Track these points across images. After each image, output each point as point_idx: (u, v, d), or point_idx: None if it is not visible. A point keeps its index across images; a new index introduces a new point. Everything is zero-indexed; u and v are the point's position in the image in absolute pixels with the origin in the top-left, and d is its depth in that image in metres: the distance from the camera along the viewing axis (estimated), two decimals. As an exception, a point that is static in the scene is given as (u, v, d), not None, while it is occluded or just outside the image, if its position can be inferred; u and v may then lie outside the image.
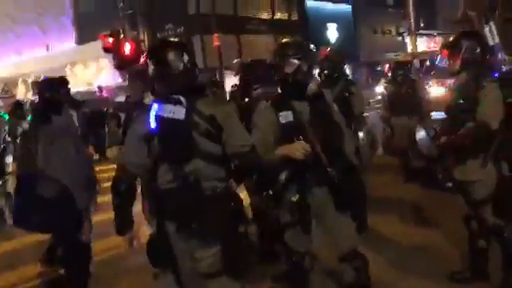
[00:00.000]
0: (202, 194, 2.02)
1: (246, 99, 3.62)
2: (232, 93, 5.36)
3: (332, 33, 27.86)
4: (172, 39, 2.73)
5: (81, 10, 23.82)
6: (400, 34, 27.81)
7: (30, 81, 26.76)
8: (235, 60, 5.70)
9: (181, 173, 2.02)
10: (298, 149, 2.35)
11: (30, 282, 3.90)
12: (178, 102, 2.02)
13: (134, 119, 2.26)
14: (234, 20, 22.63)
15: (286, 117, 2.45)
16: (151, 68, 2.12)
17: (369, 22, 28.51)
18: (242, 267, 2.15)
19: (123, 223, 2.18)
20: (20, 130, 6.88)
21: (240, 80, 3.97)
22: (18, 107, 7.38)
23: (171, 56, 2.07)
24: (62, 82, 3.64)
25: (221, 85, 9.78)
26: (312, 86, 2.64)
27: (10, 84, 22.67)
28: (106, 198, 4.06)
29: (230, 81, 14.58)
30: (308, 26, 26.61)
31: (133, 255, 4.08)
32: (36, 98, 3.99)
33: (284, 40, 2.82)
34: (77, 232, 3.26)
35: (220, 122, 2.05)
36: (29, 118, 6.15)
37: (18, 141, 5.48)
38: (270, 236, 3.59)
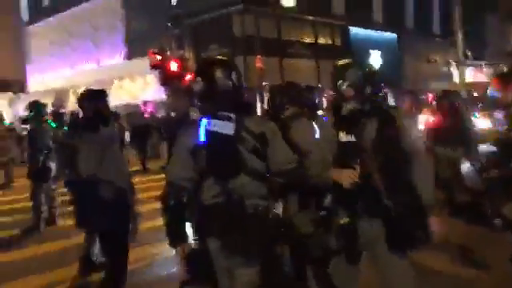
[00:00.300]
0: (245, 212, 2.01)
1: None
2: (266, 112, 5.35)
3: (375, 59, 27.63)
4: (220, 57, 2.85)
5: (132, 27, 25.05)
6: (447, 64, 27.16)
7: (79, 91, 28.26)
8: (264, 83, 5.62)
9: (226, 188, 2.03)
10: (346, 177, 2.17)
11: (67, 283, 4.00)
12: (227, 119, 2.05)
13: (181, 134, 2.26)
14: (277, 43, 22.97)
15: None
16: (199, 85, 2.15)
17: (414, 50, 28.12)
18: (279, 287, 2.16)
19: (175, 237, 2.19)
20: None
21: (270, 100, 3.96)
22: (57, 116, 7.77)
23: (219, 74, 2.12)
24: (104, 94, 3.87)
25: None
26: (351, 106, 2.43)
27: (62, 95, 23.96)
28: (141, 209, 4.22)
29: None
30: (351, 52, 26.54)
31: (165, 265, 4.16)
32: (77, 109, 4.26)
33: (342, 62, 2.67)
34: (127, 233, 3.40)
35: (269, 139, 2.09)
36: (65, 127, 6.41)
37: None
38: (301, 257, 3.56)
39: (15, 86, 17.20)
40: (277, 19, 23.98)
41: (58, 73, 28.52)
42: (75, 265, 3.91)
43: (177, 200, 2.14)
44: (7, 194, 8.72)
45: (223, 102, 2.10)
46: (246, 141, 2.05)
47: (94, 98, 3.71)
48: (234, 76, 2.15)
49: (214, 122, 2.06)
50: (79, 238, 4.12)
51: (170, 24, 23.79)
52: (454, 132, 5.64)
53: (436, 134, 5.90)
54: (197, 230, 2.15)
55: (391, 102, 6.43)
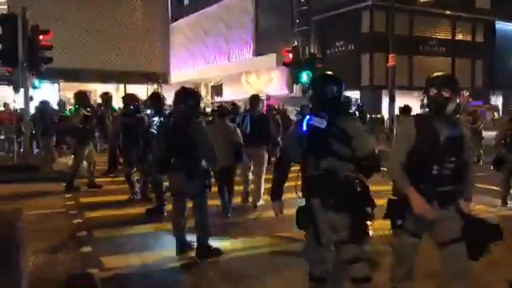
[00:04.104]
0: (338, 179, 2.74)
1: None
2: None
3: (525, 58, 24.29)
4: (329, 73, 3.08)
5: (261, 25, 26.14)
6: None
7: (210, 85, 30.65)
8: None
9: (319, 165, 2.75)
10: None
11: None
12: (323, 117, 2.77)
13: (295, 124, 3.14)
14: (408, 40, 21.68)
15: None
16: (311, 92, 2.95)
17: None
18: (363, 237, 2.74)
19: (275, 192, 2.95)
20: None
21: None
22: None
23: (327, 87, 2.87)
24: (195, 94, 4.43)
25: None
26: None
27: (194, 86, 26.23)
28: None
29: (401, 101, 13.97)
30: (495, 50, 23.75)
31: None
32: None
33: None
34: None
35: (351, 134, 2.74)
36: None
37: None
38: None
39: (161, 77, 19.40)
40: (409, 14, 22.59)
41: (192, 67, 31.27)
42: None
43: (286, 165, 2.97)
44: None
45: (323, 106, 2.83)
46: (335, 133, 2.73)
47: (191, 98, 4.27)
48: (334, 88, 2.85)
49: (314, 118, 2.79)
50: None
51: (297, 21, 24.25)
52: None
53: None
54: (305, 192, 2.85)
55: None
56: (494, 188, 6.85)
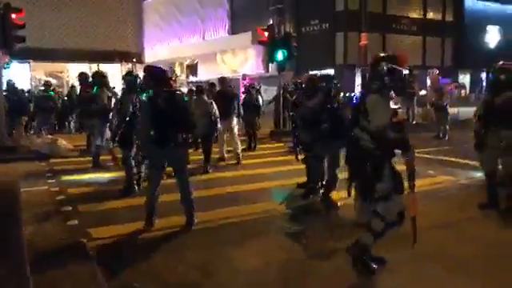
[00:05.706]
0: (358, 146, 3.27)
1: None
2: None
3: (493, 36, 25.05)
4: (384, 54, 3.33)
5: (235, 4, 25.86)
6: None
7: (185, 64, 30.28)
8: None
9: (350, 133, 3.39)
10: None
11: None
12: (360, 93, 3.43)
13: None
14: (381, 18, 22.01)
15: None
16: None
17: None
18: (370, 195, 3.19)
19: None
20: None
21: None
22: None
23: (374, 67, 3.26)
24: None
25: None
26: None
27: (168, 65, 25.86)
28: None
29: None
30: (464, 29, 24.39)
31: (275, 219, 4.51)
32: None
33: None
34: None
35: (368, 109, 3.19)
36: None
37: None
38: None
39: (134, 57, 19.16)
40: (382, -7, 22.88)
41: (166, 45, 30.72)
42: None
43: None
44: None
45: (365, 83, 3.53)
46: (360, 107, 3.25)
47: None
48: (381, 68, 3.19)
49: (358, 94, 3.51)
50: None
51: (272, -2, 24.16)
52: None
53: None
54: None
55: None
56: (460, 161, 7.46)
